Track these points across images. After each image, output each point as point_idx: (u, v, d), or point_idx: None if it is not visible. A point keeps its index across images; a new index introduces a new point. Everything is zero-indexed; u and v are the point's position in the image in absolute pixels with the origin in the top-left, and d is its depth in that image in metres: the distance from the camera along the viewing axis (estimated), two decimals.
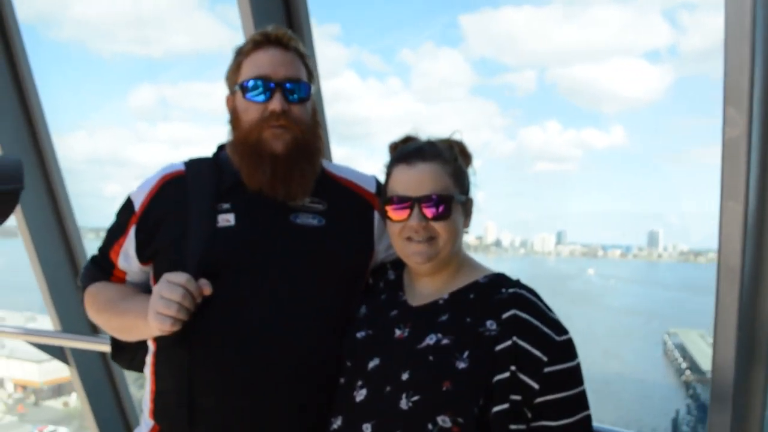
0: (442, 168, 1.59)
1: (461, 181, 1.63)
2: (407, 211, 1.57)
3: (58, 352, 3.93)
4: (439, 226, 1.57)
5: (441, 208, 1.56)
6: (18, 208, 3.81)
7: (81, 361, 3.96)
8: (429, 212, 1.56)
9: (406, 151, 1.64)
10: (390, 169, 1.66)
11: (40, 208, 3.94)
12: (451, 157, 1.62)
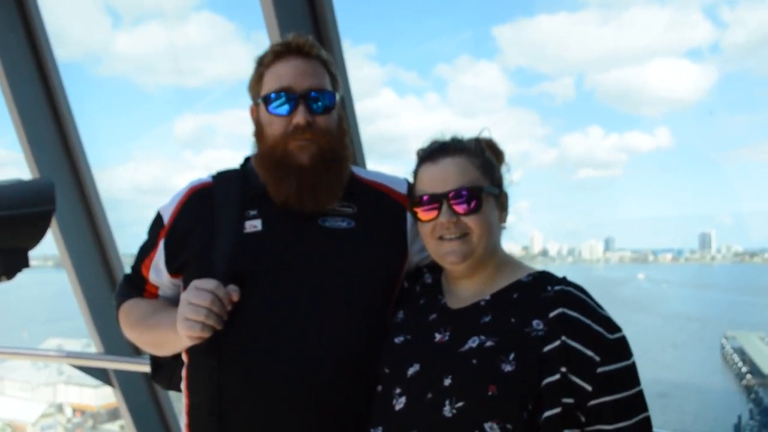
0: (468, 161, 1.52)
1: (491, 174, 1.55)
2: (436, 210, 1.50)
3: (102, 375, 3.93)
4: (471, 221, 1.49)
5: (471, 202, 1.48)
6: (59, 235, 3.85)
7: (125, 382, 3.96)
8: (459, 207, 1.48)
9: (430, 150, 1.57)
10: (416, 170, 1.59)
11: (81, 235, 3.99)
12: (477, 150, 1.55)
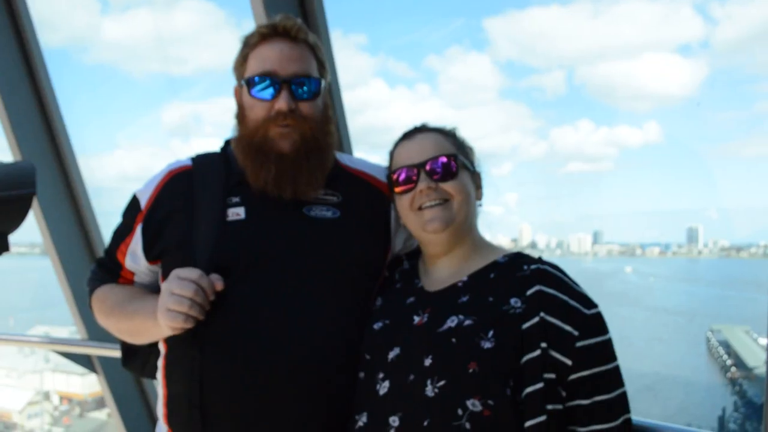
0: (443, 137, 1.58)
1: (465, 151, 1.59)
2: (414, 181, 1.53)
3: (86, 362, 3.92)
4: (449, 187, 1.52)
5: (449, 169, 1.52)
6: (43, 222, 3.83)
7: (109, 368, 3.95)
8: (436, 175, 1.52)
9: (405, 132, 1.63)
10: (392, 152, 1.62)
11: (65, 221, 3.96)
12: (450, 132, 1.61)
